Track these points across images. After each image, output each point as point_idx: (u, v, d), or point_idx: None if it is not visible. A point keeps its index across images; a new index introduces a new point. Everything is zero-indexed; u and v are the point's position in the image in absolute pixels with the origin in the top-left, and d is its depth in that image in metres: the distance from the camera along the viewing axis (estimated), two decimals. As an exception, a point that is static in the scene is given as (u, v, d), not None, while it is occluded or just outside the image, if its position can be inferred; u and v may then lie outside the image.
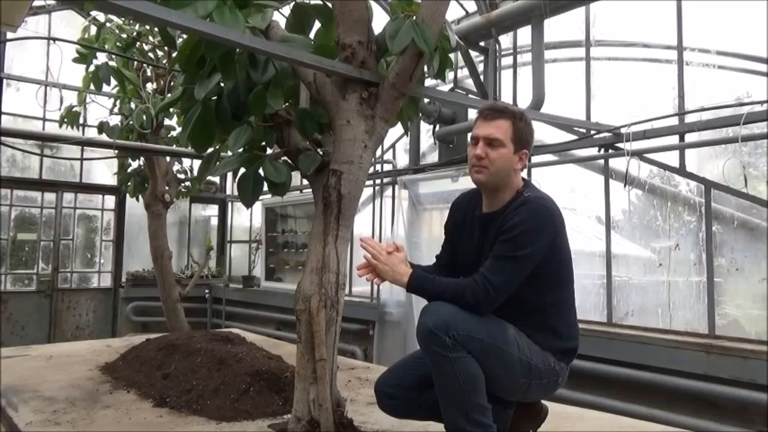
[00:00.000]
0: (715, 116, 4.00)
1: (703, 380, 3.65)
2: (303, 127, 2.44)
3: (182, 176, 6.25)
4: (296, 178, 2.57)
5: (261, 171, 2.41)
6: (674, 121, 4.20)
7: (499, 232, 1.98)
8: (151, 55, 5.38)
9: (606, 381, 4.12)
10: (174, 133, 5.69)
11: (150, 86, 5.41)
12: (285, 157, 2.56)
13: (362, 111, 2.30)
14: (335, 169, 2.30)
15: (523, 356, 1.96)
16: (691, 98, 4.18)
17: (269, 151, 2.57)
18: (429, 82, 4.31)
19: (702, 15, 4.18)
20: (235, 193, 2.81)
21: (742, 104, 3.76)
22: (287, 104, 2.57)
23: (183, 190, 6.27)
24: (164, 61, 5.34)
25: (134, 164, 6.02)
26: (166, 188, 5.78)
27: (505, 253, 1.93)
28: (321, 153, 2.49)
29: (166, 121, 5.63)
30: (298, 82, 2.50)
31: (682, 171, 4.23)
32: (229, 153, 2.53)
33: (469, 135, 2.13)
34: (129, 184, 5.98)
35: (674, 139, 4.22)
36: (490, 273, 1.92)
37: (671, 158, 4.27)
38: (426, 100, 5.40)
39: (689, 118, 4.12)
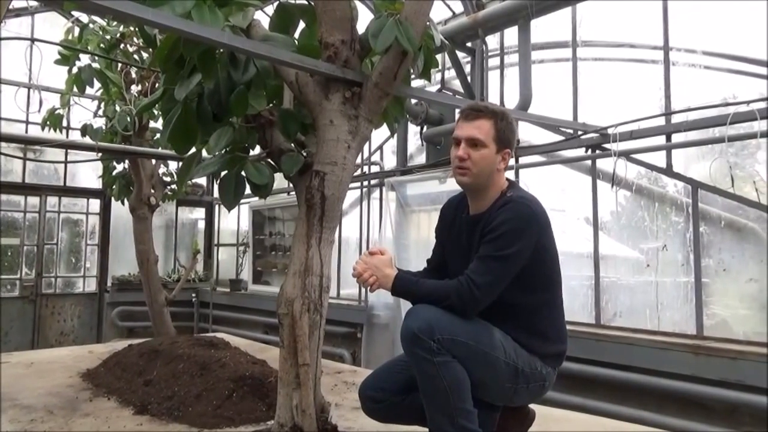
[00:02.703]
0: (701, 116, 4.00)
1: (692, 381, 3.64)
2: (286, 127, 2.41)
3: (168, 179, 6.19)
4: (283, 179, 2.53)
5: (243, 172, 2.37)
6: (661, 122, 4.20)
7: (484, 233, 1.95)
8: (135, 56, 5.32)
9: (595, 383, 4.10)
10: (158, 136, 5.63)
11: (135, 88, 5.35)
12: (268, 159, 2.52)
13: (345, 111, 2.26)
14: (318, 170, 2.26)
15: (509, 360, 1.92)
16: (678, 98, 4.19)
17: (252, 152, 2.53)
18: (417, 82, 4.28)
19: (688, 15, 4.18)
20: (220, 195, 2.76)
21: (728, 104, 3.76)
22: (270, 105, 2.53)
23: (169, 192, 6.22)
24: (149, 63, 5.28)
25: (119, 167, 5.95)
26: (152, 191, 5.72)
27: (490, 254, 1.90)
28: (304, 154, 2.44)
29: (152, 123, 5.57)
30: (281, 82, 2.46)
31: (669, 171, 4.22)
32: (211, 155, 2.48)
33: (452, 136, 2.09)
34: (114, 187, 5.92)
35: (661, 140, 4.22)
36: (474, 274, 1.88)
37: (658, 159, 4.27)
38: (413, 101, 5.37)
39: (676, 119, 4.12)
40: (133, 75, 5.33)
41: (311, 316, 2.23)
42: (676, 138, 4.12)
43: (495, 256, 1.89)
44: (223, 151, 2.42)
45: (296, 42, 2.43)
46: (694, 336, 3.91)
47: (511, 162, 2.61)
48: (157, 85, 5.21)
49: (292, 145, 2.51)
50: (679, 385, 3.68)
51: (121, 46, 5.07)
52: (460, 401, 1.83)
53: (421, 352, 1.81)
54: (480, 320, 1.93)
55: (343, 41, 2.25)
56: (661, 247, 4.26)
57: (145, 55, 5.35)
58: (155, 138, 5.63)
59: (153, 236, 5.79)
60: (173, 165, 6.28)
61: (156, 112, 4.95)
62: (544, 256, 1.97)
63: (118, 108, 5.09)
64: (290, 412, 2.21)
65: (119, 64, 5.11)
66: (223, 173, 2.40)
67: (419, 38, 2.21)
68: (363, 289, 6.22)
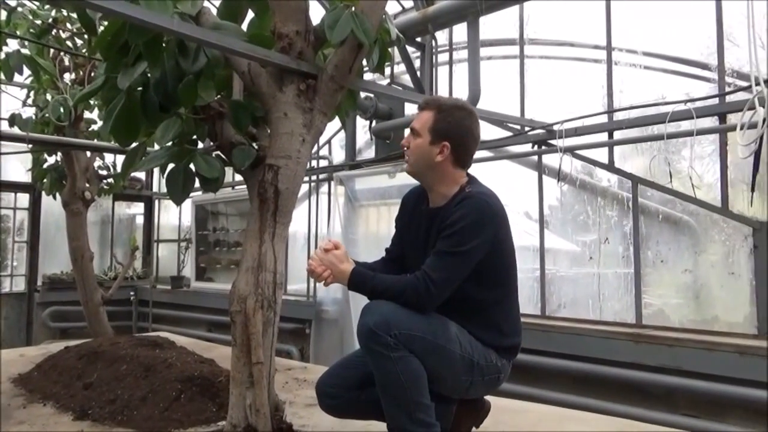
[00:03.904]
0: (642, 114, 4.16)
1: (633, 368, 3.79)
2: (237, 120, 2.32)
3: (104, 172, 5.93)
4: (229, 173, 2.45)
5: (192, 166, 2.28)
6: (604, 119, 4.35)
7: (441, 227, 1.95)
8: (69, 43, 5.05)
9: (542, 372, 4.21)
10: (95, 127, 5.37)
11: (68, 76, 5.09)
12: (218, 152, 2.43)
13: (300, 104, 2.21)
14: (272, 164, 2.20)
15: (465, 354, 1.93)
16: (620, 97, 4.34)
17: (201, 145, 2.44)
18: (367, 76, 4.25)
19: (629, 16, 4.33)
20: (163, 189, 2.67)
21: (667, 103, 3.93)
22: (220, 96, 2.45)
23: (105, 187, 5.95)
24: (84, 50, 5.01)
25: (51, 160, 5.64)
26: (87, 185, 5.46)
27: (447, 249, 1.90)
28: (256, 147, 2.37)
29: (86, 114, 5.31)
30: (231, 72, 2.38)
31: (611, 167, 4.38)
32: (157, 147, 2.37)
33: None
34: (45, 180, 5.60)
35: (604, 137, 4.36)
36: (431, 269, 1.88)
37: (601, 155, 4.42)
38: (363, 95, 5.34)
39: (618, 116, 4.27)
40: (67, 62, 5.06)
41: (265, 313, 2.17)
42: (618, 135, 4.28)
43: (452, 252, 1.89)
44: (170, 144, 2.33)
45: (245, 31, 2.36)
46: (633, 325, 4.08)
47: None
48: (93, 73, 4.97)
49: (244, 137, 2.43)
50: (621, 372, 3.82)
51: (54, 31, 4.79)
52: (418, 395, 1.83)
53: (378, 348, 1.80)
54: (436, 315, 1.93)
55: (298, 32, 2.20)
56: (603, 240, 4.41)
57: (79, 41, 5.09)
58: (90, 129, 5.38)
59: (88, 232, 5.54)
60: (110, 158, 6.01)
61: (93, 102, 4.72)
62: (501, 252, 1.99)
63: (49, 97, 4.82)
64: (243, 412, 2.15)
65: (51, 51, 4.83)
66: (170, 167, 2.30)
67: (375, 31, 2.19)
68: (312, 285, 6.15)
